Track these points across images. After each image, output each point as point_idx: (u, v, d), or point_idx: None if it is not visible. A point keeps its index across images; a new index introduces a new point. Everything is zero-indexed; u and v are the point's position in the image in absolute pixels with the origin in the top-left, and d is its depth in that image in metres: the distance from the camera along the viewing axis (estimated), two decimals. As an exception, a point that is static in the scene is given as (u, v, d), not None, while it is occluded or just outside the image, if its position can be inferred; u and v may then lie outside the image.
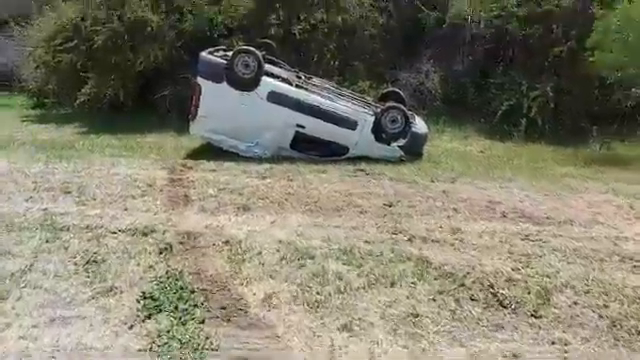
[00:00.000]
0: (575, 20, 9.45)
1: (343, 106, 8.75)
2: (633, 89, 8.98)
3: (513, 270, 4.16)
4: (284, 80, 8.90)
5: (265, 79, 8.59)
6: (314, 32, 10.55)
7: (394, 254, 4.38)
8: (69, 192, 5.59)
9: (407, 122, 8.53)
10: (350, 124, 8.61)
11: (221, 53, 9.17)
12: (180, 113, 11.27)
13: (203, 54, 8.81)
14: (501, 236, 4.83)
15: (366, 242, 4.61)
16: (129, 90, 11.28)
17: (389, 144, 8.72)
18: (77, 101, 11.18)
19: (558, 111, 9.53)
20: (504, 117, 9.88)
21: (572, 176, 7.27)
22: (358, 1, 10.86)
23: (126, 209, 5.17)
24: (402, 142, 8.69)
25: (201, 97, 8.61)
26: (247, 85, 8.53)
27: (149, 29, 10.73)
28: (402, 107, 8.66)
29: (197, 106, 8.72)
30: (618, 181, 6.96)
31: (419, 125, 9.07)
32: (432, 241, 4.67)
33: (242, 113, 8.58)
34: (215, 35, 11.25)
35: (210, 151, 9.34)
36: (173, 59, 11.28)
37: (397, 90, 9.97)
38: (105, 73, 11.20)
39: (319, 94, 8.86)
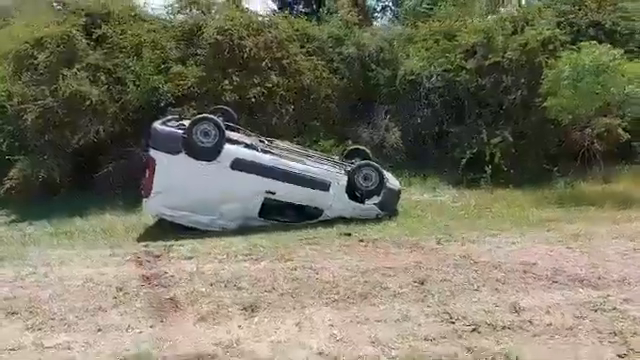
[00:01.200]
0: (522, 69, 9.89)
1: (314, 167, 8.27)
2: (587, 129, 9.36)
3: (621, 358, 3.44)
4: (248, 146, 8.32)
5: (228, 147, 7.96)
6: (271, 96, 10.20)
7: (473, 355, 3.48)
8: (14, 312, 4.24)
9: (381, 178, 8.18)
10: (323, 185, 8.11)
11: (175, 123, 8.50)
12: (126, 190, 10.31)
13: (156, 125, 8.08)
14: (571, 310, 4.04)
15: (427, 340, 3.69)
16: (65, 170, 10.10)
17: (363, 202, 8.30)
18: (3, 188, 9.78)
19: (519, 155, 9.68)
20: (468, 165, 9.87)
21: (558, 220, 7.14)
22: (311, 65, 10.76)
23: (100, 329, 3.94)
24: (377, 199, 8.31)
25: (155, 172, 7.79)
26: (208, 154, 7.84)
27: (87, 103, 9.82)
28: (374, 164, 8.34)
29: (151, 182, 7.87)
30: (616, 222, 6.84)
31: (391, 181, 8.76)
32: (502, 328, 3.81)
33: (204, 185, 7.82)
34: (162, 104, 10.57)
35: (166, 229, 8.38)
36: (114, 133, 10.38)
37: (362, 147, 9.73)
38: (36, 153, 10.02)
39: (287, 157, 8.35)
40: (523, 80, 9.82)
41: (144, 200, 8.24)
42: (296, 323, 3.98)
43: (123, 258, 5.44)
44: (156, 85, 10.48)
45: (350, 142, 10.65)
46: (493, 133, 9.85)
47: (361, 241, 6.30)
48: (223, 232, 7.96)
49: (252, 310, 4.20)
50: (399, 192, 8.54)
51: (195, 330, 3.92)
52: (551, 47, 9.68)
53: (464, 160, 9.86)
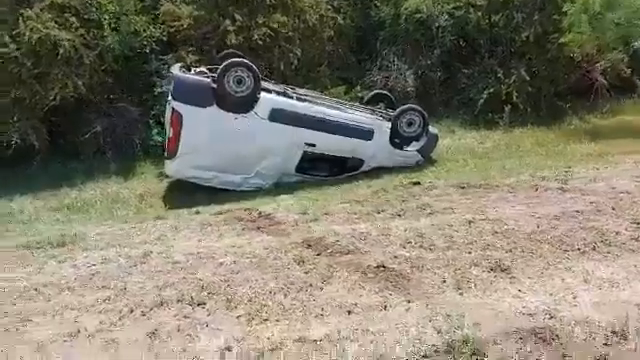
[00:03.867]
0: (534, 6, 9.71)
1: (355, 115, 7.64)
2: (596, 65, 9.56)
3: None
4: (281, 94, 7.44)
5: (264, 95, 7.05)
6: (276, 37, 9.13)
7: None
8: (230, 301, 2.98)
9: (425, 123, 7.77)
10: (366, 134, 7.55)
11: (196, 70, 7.33)
12: (117, 152, 8.99)
13: (178, 73, 6.90)
14: None
15: None
16: (40, 132, 8.47)
17: (402, 149, 7.90)
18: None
19: (534, 94, 9.71)
20: (484, 106, 9.74)
21: (607, 153, 7.27)
22: (313, 1, 9.73)
23: (350, 311, 2.85)
24: (418, 145, 7.94)
25: (182, 127, 6.73)
26: (242, 105, 6.89)
27: (60, 51, 8.13)
28: (419, 108, 7.87)
29: (177, 140, 6.81)
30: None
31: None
32: None
33: (237, 140, 6.94)
34: (147, 51, 9.10)
35: (187, 192, 7.40)
36: (93, 86, 8.82)
37: (385, 92, 9.19)
38: (3, 114, 8.25)
39: (325, 105, 7.60)
40: (536, 16, 9.66)
41: (166, 161, 7.15)
42: (583, 278, 3.26)
43: (221, 227, 4.45)
44: (139, 28, 8.96)
45: (358, 87, 10.07)
46: (507, 72, 9.73)
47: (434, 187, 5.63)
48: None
49: (503, 270, 3.34)
50: (437, 137, 8.21)
51: (496, 300, 3.02)
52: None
53: (481, 101, 9.69)
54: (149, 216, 6.07)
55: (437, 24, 10.20)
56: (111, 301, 3.00)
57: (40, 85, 8.22)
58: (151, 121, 9.28)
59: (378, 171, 7.57)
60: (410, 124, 7.73)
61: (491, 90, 9.66)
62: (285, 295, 2.98)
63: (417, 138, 7.80)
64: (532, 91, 9.66)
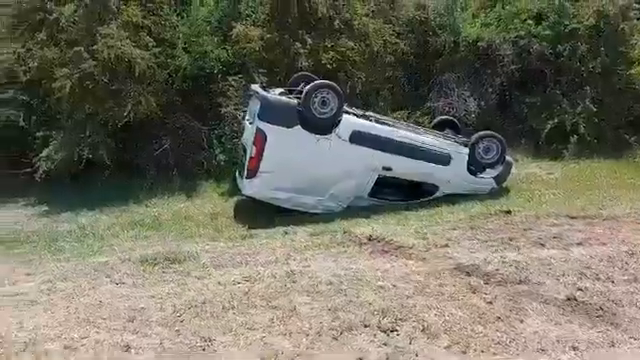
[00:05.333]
0: (601, 37, 9.69)
1: (433, 140, 7.56)
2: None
3: None
4: (361, 116, 7.42)
5: (347, 117, 7.03)
6: (343, 61, 9.18)
7: None
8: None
9: (503, 150, 7.67)
10: (443, 159, 7.46)
11: (278, 90, 7.36)
12: (181, 169, 8.98)
13: (265, 93, 6.92)
14: None
15: None
16: (109, 148, 8.50)
17: (475, 176, 7.78)
18: (41, 169, 8.03)
19: (600, 125, 9.58)
20: (548, 136, 9.62)
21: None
22: (377, 27, 9.81)
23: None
24: (494, 173, 7.82)
25: (266, 147, 6.70)
26: (325, 127, 6.87)
27: (136, 69, 8.22)
28: (497, 134, 7.78)
29: (258, 159, 6.77)
30: None
31: (504, 153, 8.25)
32: None
33: (317, 161, 6.89)
34: (214, 72, 9.19)
35: (254, 213, 7.31)
36: (162, 105, 8.88)
37: (451, 118, 9.13)
38: (76, 128, 8.31)
39: (405, 129, 7.56)
40: (602, 47, 9.63)
41: (245, 180, 7.08)
42: None
43: (339, 249, 4.29)
44: (209, 49, 9.07)
45: (419, 113, 10.03)
46: (572, 103, 9.63)
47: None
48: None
49: None
50: (511, 165, 8.09)
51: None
52: (631, 14, 9.55)
53: (545, 131, 9.57)
54: (235, 234, 5.98)
55: (498, 53, 10.20)
56: (287, 322, 2.85)
57: (114, 101, 8.31)
58: (215, 140, 9.31)
59: (446, 198, 7.43)
60: (488, 150, 7.63)
61: (555, 120, 9.55)
62: (483, 326, 2.82)
63: (493, 165, 7.69)
64: (597, 122, 9.53)
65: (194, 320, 2.94)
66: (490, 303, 3.11)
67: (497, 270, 3.58)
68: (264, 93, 6.89)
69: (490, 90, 10.31)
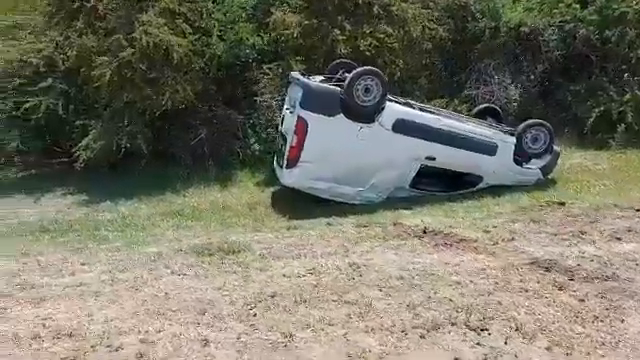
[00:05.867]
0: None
1: (479, 129, 7.32)
2: None
3: None
4: (404, 104, 7.21)
5: (390, 105, 6.83)
6: (381, 48, 8.94)
7: None
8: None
9: (551, 140, 7.37)
10: (489, 149, 7.20)
11: (319, 78, 7.20)
12: (216, 159, 8.93)
13: (306, 80, 6.78)
14: None
15: None
16: (147, 137, 8.50)
17: (521, 166, 7.51)
18: (81, 158, 8.08)
19: (648, 114, 9.15)
20: (594, 125, 9.23)
21: None
22: (417, 12, 9.52)
23: None
24: (541, 163, 7.53)
25: (307, 136, 6.57)
26: (367, 115, 6.69)
27: (174, 56, 8.16)
28: (546, 123, 7.49)
29: (299, 149, 6.65)
30: None
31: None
32: None
33: (359, 150, 6.72)
34: (249, 60, 9.08)
35: (289, 203, 7.21)
36: (199, 93, 8.82)
37: (493, 106, 8.82)
38: (115, 117, 8.33)
39: (449, 117, 7.33)
40: (653, 33, 9.16)
41: (285, 170, 6.98)
42: None
43: (399, 242, 4.16)
44: (244, 36, 8.95)
45: (455, 101, 9.75)
46: (620, 90, 9.21)
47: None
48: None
49: None
50: (559, 155, 7.78)
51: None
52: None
53: (590, 120, 9.19)
54: (277, 225, 5.89)
55: (542, 38, 9.81)
56: (365, 318, 2.74)
57: (152, 90, 8.27)
58: (250, 130, 9.24)
59: (488, 190, 7.18)
60: (535, 140, 7.35)
61: (602, 108, 9.15)
62: (582, 326, 2.66)
63: (540, 155, 7.41)
64: (647, 111, 9.10)
65: (267, 314, 2.86)
66: (582, 301, 2.94)
67: (579, 265, 3.39)
68: (306, 80, 6.75)
69: (532, 77, 9.97)
